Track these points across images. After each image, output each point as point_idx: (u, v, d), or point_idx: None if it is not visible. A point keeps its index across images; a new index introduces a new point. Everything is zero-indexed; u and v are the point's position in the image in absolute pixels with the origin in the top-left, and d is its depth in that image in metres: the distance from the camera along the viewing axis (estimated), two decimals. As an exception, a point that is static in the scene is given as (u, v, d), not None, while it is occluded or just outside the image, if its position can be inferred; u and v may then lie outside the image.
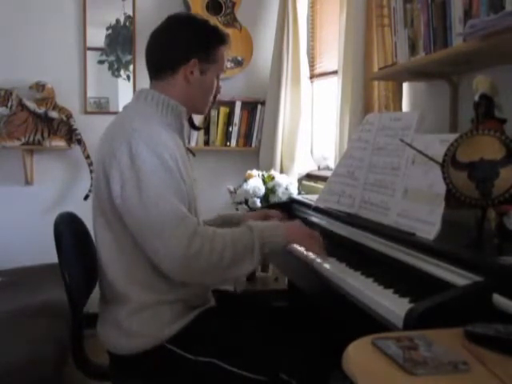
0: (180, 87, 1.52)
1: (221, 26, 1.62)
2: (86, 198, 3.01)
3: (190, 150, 1.64)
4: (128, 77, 3.28)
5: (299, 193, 2.74)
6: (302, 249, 1.56)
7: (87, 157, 3.10)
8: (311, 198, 1.95)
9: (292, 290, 2.30)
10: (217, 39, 1.54)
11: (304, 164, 3.06)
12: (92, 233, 1.53)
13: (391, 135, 1.56)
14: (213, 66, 1.53)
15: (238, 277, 1.43)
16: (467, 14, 1.42)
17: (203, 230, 1.36)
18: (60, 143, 3.13)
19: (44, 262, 2.73)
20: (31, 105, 3.05)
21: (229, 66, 3.25)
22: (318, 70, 3.18)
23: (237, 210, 2.66)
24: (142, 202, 1.32)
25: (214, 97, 1.64)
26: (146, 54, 1.56)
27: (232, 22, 3.26)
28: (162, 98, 1.50)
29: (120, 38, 3.26)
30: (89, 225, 1.58)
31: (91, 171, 3.04)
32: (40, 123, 3.08)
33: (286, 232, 1.44)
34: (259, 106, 3.25)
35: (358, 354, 0.83)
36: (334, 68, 2.69)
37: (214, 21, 3.07)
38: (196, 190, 1.53)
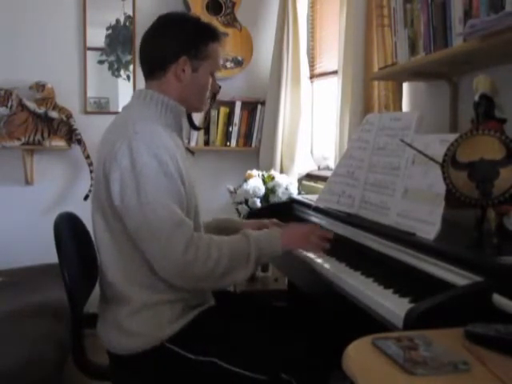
0: (174, 86, 1.51)
1: (212, 23, 1.60)
2: (86, 198, 3.01)
3: (189, 150, 1.64)
4: (128, 77, 3.28)
5: (299, 193, 2.74)
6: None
7: (87, 157, 3.10)
8: (311, 198, 1.95)
9: (292, 290, 2.30)
10: (206, 35, 1.53)
11: (304, 164, 3.06)
12: (92, 233, 1.53)
13: (391, 135, 1.56)
14: (205, 63, 1.52)
15: (231, 284, 1.44)
16: (467, 14, 1.42)
17: (200, 236, 1.37)
18: (60, 143, 3.12)
19: (44, 262, 2.73)
20: (31, 105, 3.05)
21: (229, 65, 3.25)
22: (318, 70, 3.18)
23: (237, 209, 2.66)
24: (141, 206, 1.33)
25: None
26: (139, 55, 1.57)
27: (232, 22, 3.26)
28: (161, 98, 1.50)
29: (120, 37, 3.26)
30: (89, 225, 1.57)
31: (91, 171, 3.04)
32: (40, 123, 3.08)
33: (282, 241, 1.45)
34: (259, 106, 3.25)
35: (358, 354, 0.83)
36: (334, 68, 2.69)
37: (213, 21, 3.11)
38: (196, 190, 1.53)
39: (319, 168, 3.08)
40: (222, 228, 1.74)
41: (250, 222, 1.83)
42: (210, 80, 1.56)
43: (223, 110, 3.24)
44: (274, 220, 1.80)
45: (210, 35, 1.53)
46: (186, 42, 1.50)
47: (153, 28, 1.55)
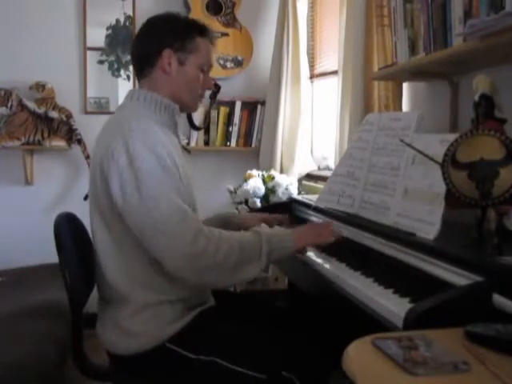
0: (163, 81, 1.51)
1: (202, 21, 1.59)
2: (86, 198, 2.98)
3: (185, 148, 1.64)
4: (128, 77, 3.28)
5: (299, 193, 2.75)
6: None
7: (87, 157, 3.09)
8: (311, 198, 1.95)
9: (292, 290, 2.30)
10: (192, 29, 1.52)
11: (304, 164, 3.06)
12: (90, 233, 1.53)
13: (391, 135, 1.56)
14: (192, 56, 1.51)
15: (242, 280, 1.43)
16: (467, 14, 1.42)
17: (210, 229, 1.36)
18: (60, 143, 3.12)
19: (44, 262, 2.73)
20: (31, 105, 3.05)
21: (229, 65, 3.25)
22: (318, 70, 3.18)
23: (237, 209, 2.66)
24: (143, 202, 1.32)
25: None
26: (130, 56, 1.58)
27: (232, 22, 3.26)
28: (154, 97, 1.50)
29: (120, 37, 3.26)
30: (88, 225, 1.57)
31: (91, 171, 3.04)
32: (40, 123, 3.08)
33: (295, 238, 1.44)
34: (259, 106, 3.25)
35: (358, 354, 0.83)
36: (334, 68, 2.69)
37: (213, 21, 3.11)
38: (194, 188, 1.53)
39: (319, 168, 3.08)
40: (225, 223, 1.75)
41: (252, 215, 1.83)
42: (201, 76, 1.55)
43: (223, 110, 3.24)
44: (275, 215, 1.80)
45: (197, 30, 1.53)
46: (169, 36, 1.50)
47: (141, 29, 1.57)
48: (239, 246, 1.35)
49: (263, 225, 1.78)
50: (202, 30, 1.54)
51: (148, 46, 1.52)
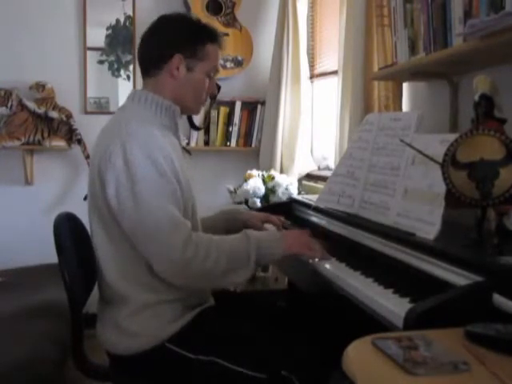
0: (168, 85, 1.51)
1: (213, 26, 1.59)
2: (86, 198, 2.99)
3: (185, 149, 1.64)
4: (128, 77, 3.28)
5: (299, 193, 2.74)
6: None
7: (87, 157, 3.09)
8: (311, 198, 1.95)
9: (292, 290, 2.30)
10: (204, 36, 1.52)
11: (304, 164, 3.05)
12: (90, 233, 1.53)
13: (391, 135, 1.56)
14: (201, 63, 1.51)
15: (231, 285, 1.44)
16: (467, 14, 1.42)
17: (199, 236, 1.37)
18: (60, 143, 3.12)
19: (44, 262, 2.73)
20: (31, 105, 3.05)
21: (229, 66, 3.25)
22: (318, 70, 3.18)
23: (237, 209, 2.66)
24: (137, 207, 1.33)
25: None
26: (137, 54, 1.57)
27: (232, 22, 3.26)
28: (155, 98, 1.49)
29: (120, 37, 3.26)
30: (88, 225, 1.57)
31: (91, 171, 3.04)
32: (40, 123, 3.08)
33: (284, 244, 1.44)
34: (259, 106, 3.25)
35: (358, 354, 0.83)
36: (334, 68, 2.69)
37: (213, 21, 3.11)
38: (193, 189, 1.53)
39: (319, 168, 3.08)
40: (230, 219, 1.77)
41: (257, 214, 1.83)
42: (207, 81, 1.55)
43: (223, 110, 3.24)
44: (281, 218, 1.81)
45: (208, 36, 1.53)
46: (181, 41, 1.50)
47: (151, 27, 1.55)
48: (228, 252, 1.37)
49: (268, 225, 1.79)
50: (212, 36, 1.53)
51: (157, 48, 1.51)
